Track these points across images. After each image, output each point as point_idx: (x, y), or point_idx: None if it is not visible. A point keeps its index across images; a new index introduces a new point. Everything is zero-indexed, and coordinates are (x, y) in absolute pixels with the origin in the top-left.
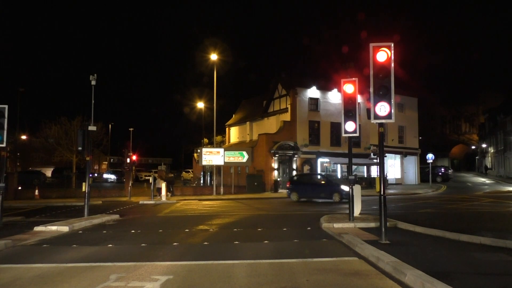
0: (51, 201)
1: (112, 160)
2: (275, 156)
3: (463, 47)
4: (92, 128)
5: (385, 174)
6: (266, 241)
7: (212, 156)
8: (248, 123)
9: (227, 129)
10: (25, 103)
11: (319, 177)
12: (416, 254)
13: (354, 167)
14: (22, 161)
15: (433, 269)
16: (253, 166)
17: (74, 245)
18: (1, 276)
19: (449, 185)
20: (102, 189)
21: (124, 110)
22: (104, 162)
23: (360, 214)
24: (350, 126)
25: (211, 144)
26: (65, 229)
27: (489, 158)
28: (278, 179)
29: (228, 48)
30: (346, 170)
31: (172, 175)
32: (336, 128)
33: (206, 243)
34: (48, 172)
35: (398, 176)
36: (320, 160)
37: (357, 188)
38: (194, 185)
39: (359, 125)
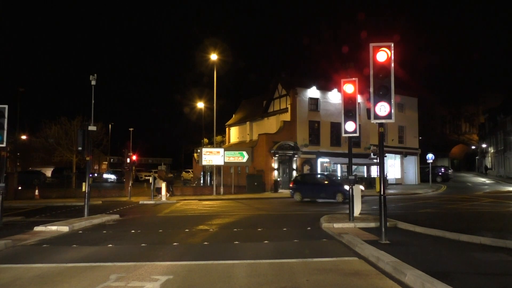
0: (51, 201)
1: (112, 160)
2: (275, 156)
3: (463, 47)
4: (92, 128)
5: (385, 174)
6: (266, 241)
7: (212, 156)
8: (248, 123)
9: (227, 129)
10: (25, 103)
11: (322, 177)
12: (416, 254)
13: (354, 167)
14: (22, 161)
15: (433, 269)
16: (253, 166)
17: (74, 245)
18: (1, 276)
19: (449, 185)
20: (102, 189)
21: (124, 110)
22: (104, 162)
23: (360, 214)
24: (350, 126)
25: (211, 144)
26: (65, 229)
27: (489, 158)
28: (278, 179)
29: (228, 48)
30: (346, 170)
31: (172, 175)
32: (336, 128)
33: (206, 243)
34: (48, 172)
35: (398, 176)
36: (320, 160)
37: (357, 188)
38: (194, 185)
39: (359, 125)
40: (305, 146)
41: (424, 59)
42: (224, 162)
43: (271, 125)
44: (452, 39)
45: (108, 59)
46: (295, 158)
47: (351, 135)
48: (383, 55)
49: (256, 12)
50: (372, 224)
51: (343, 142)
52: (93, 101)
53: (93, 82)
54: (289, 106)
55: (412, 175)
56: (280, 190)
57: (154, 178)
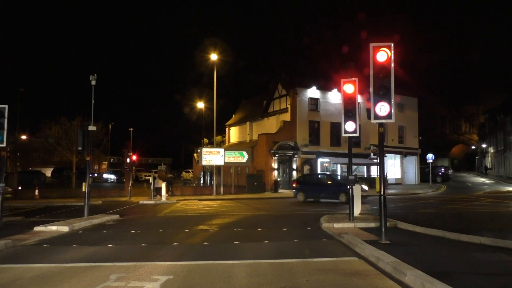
0: (51, 201)
1: (112, 160)
2: (275, 156)
3: (463, 47)
4: (92, 128)
5: (385, 174)
6: (266, 241)
7: (212, 156)
8: (248, 123)
9: (227, 129)
10: (25, 103)
11: (325, 177)
12: (416, 254)
13: (354, 167)
14: (22, 161)
15: (433, 269)
16: (253, 166)
17: (74, 245)
18: (1, 276)
19: (449, 185)
20: (102, 189)
21: (124, 110)
22: (104, 162)
23: (360, 214)
24: (350, 126)
25: (211, 144)
26: (65, 229)
27: (489, 158)
28: (278, 179)
29: (228, 48)
30: (346, 170)
31: (172, 175)
32: (336, 128)
33: (206, 243)
34: (48, 172)
35: (398, 176)
36: (320, 160)
37: (357, 188)
38: (194, 185)
39: (359, 125)
40: (305, 146)
41: (424, 59)
42: (224, 162)
43: (271, 125)
44: (452, 39)
45: (108, 59)
46: (295, 158)
47: (351, 135)
48: (383, 55)
49: (256, 12)
50: (372, 224)
51: (343, 142)
52: (93, 101)
53: (93, 82)
54: (289, 106)
55: (412, 175)
56: (280, 190)
57: (154, 178)
